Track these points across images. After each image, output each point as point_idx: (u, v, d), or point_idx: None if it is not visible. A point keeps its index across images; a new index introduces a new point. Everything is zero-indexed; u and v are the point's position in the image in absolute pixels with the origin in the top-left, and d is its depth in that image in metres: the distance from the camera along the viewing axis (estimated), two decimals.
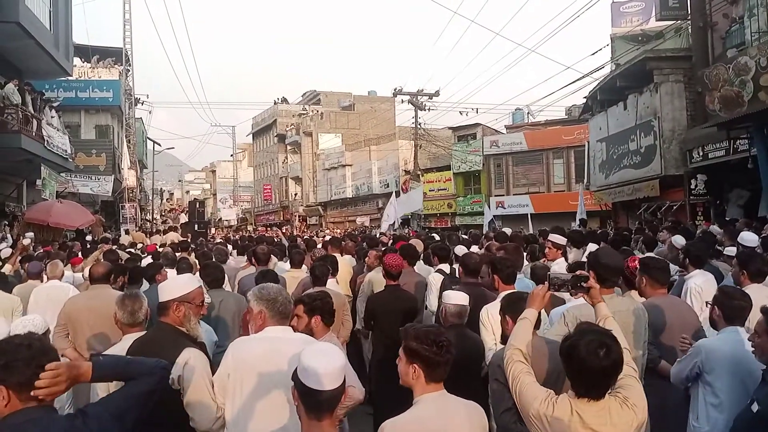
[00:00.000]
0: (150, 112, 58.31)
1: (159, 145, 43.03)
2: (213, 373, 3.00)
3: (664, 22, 19.46)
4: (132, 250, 10.90)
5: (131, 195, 29.69)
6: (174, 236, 17.62)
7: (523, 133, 31.97)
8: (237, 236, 22.46)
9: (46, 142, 16.10)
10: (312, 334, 3.57)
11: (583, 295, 3.10)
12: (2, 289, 6.10)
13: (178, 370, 2.92)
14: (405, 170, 37.83)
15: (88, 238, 16.44)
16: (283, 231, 29.08)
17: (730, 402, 3.33)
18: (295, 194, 54.72)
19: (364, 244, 10.36)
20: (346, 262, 7.99)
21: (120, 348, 3.37)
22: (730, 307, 3.54)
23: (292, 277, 6.71)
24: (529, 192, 30.73)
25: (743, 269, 4.63)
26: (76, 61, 27.14)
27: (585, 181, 23.77)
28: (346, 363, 2.31)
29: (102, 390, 3.12)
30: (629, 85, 18.40)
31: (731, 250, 6.30)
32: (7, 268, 8.15)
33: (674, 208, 16.56)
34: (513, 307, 3.50)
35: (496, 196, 31.79)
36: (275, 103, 59.24)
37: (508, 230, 13.06)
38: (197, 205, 22.09)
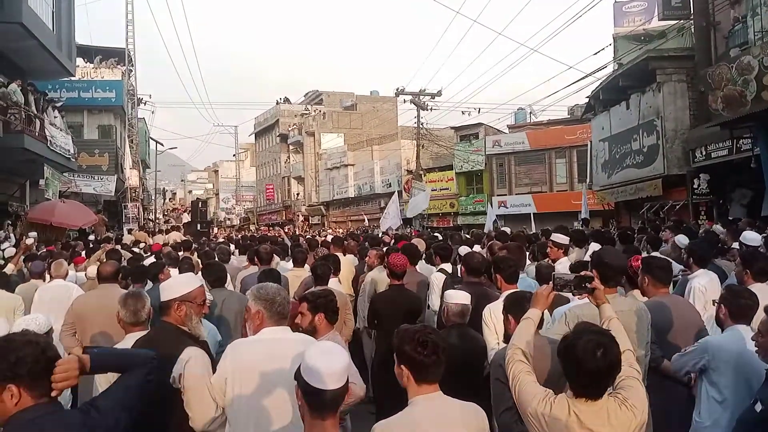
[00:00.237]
0: (153, 112, 58.60)
1: (162, 145, 43.18)
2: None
3: (667, 21, 19.41)
4: (135, 250, 10.91)
5: (134, 195, 29.73)
6: (177, 236, 17.61)
7: (526, 133, 31.93)
8: (239, 236, 22.48)
9: (49, 142, 16.12)
10: (315, 332, 3.57)
11: (587, 296, 3.09)
12: (4, 288, 6.11)
13: (179, 369, 2.92)
14: (407, 170, 37.82)
15: (91, 237, 16.45)
16: (286, 230, 29.10)
17: (734, 400, 3.33)
18: (298, 194, 54.76)
19: (366, 243, 10.36)
20: (348, 262, 8.00)
21: (123, 347, 3.37)
22: (737, 306, 3.54)
23: (295, 276, 6.72)
24: (532, 192, 30.68)
25: (747, 268, 4.62)
26: (79, 61, 27.17)
27: (587, 180, 23.75)
28: (350, 362, 2.31)
29: (103, 383, 3.14)
30: (632, 84, 18.37)
31: (748, 238, 6.29)
32: (10, 268, 8.17)
33: (677, 207, 16.53)
34: (515, 307, 3.49)
35: (498, 195, 31.75)
36: (277, 103, 59.30)
37: (507, 229, 13.06)
38: (200, 205, 22.15)
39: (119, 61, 31.51)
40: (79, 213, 17.91)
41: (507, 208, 30.29)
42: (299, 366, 2.19)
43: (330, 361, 2.15)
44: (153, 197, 42.26)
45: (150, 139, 40.47)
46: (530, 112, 36.46)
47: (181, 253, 9.29)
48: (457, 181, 34.38)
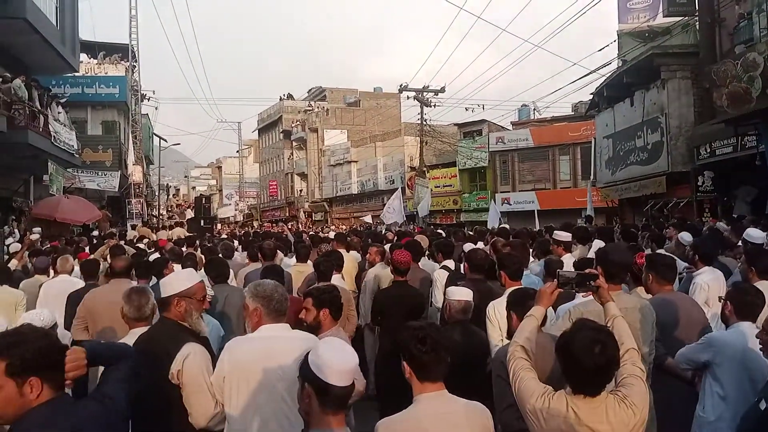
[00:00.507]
0: (156, 108, 58.87)
1: (165, 141, 43.21)
2: None
3: (672, 18, 19.34)
4: (140, 245, 10.93)
5: (138, 191, 29.76)
6: (180, 231, 17.68)
7: (529, 130, 31.87)
8: (242, 232, 22.51)
9: (53, 138, 16.15)
10: (320, 327, 3.57)
11: (592, 294, 3.07)
12: (8, 283, 6.13)
13: (178, 365, 2.93)
14: (410, 167, 37.76)
15: (95, 233, 16.50)
16: (289, 227, 29.13)
17: (738, 396, 3.34)
18: (301, 190, 54.76)
19: (369, 240, 10.37)
20: (351, 258, 8.00)
21: (123, 343, 3.37)
22: (742, 303, 3.54)
23: (298, 271, 6.74)
24: (535, 189, 30.64)
25: (752, 266, 4.60)
26: (83, 57, 27.22)
27: (591, 177, 23.70)
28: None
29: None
30: (636, 81, 18.32)
31: (752, 236, 6.25)
32: (13, 263, 8.19)
33: (681, 204, 16.50)
34: (518, 304, 3.49)
35: (501, 192, 31.71)
36: (281, 99, 59.24)
37: (506, 226, 13.05)
38: (203, 201, 22.21)
39: (123, 57, 31.53)
40: (83, 209, 17.97)
41: (510, 205, 30.26)
42: (306, 363, 2.19)
43: (344, 359, 2.17)
44: (157, 193, 42.28)
45: (153, 135, 40.49)
46: (534, 109, 36.44)
47: (184, 249, 9.31)
48: (461, 178, 34.34)
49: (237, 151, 66.53)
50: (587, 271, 3.18)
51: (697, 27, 17.33)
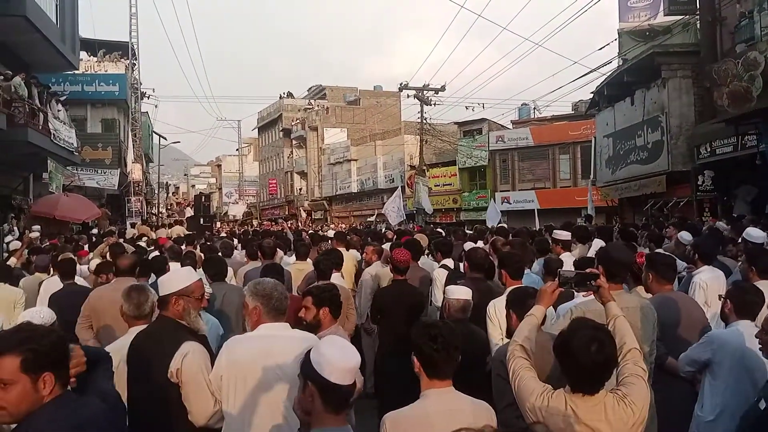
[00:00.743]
0: (156, 106, 58.79)
1: (165, 139, 43.17)
2: None
3: (672, 16, 19.32)
4: (141, 243, 10.92)
5: (137, 189, 29.74)
6: (180, 230, 17.66)
7: (529, 129, 31.86)
8: (241, 231, 22.51)
9: (52, 136, 16.14)
10: (320, 326, 3.56)
11: (593, 293, 3.07)
12: (8, 281, 6.11)
13: (177, 364, 2.92)
14: (410, 165, 37.73)
15: (94, 231, 16.49)
16: (289, 225, 29.12)
17: (736, 395, 3.34)
18: (301, 189, 54.75)
19: (369, 239, 10.35)
20: (351, 257, 7.99)
21: (126, 341, 3.36)
22: (742, 302, 3.56)
23: (298, 269, 6.73)
24: (535, 188, 30.63)
25: (752, 265, 4.59)
26: (83, 54, 27.18)
27: (591, 176, 23.69)
28: None
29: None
30: (636, 80, 18.31)
31: (752, 235, 6.23)
32: (12, 261, 8.17)
33: (681, 204, 16.50)
34: (518, 303, 3.49)
35: (501, 191, 31.70)
36: (281, 98, 59.19)
37: (504, 225, 13.05)
38: (203, 199, 22.19)
39: (123, 55, 31.50)
40: (83, 207, 17.97)
41: (510, 204, 30.25)
42: (308, 361, 2.19)
43: (347, 357, 2.19)
44: (156, 191, 42.28)
45: (153, 133, 40.46)
46: (534, 108, 36.39)
47: (184, 247, 9.30)
48: (460, 177, 34.33)
49: (237, 150, 66.48)
50: (588, 270, 3.17)
51: (698, 26, 17.31)
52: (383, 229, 16.72)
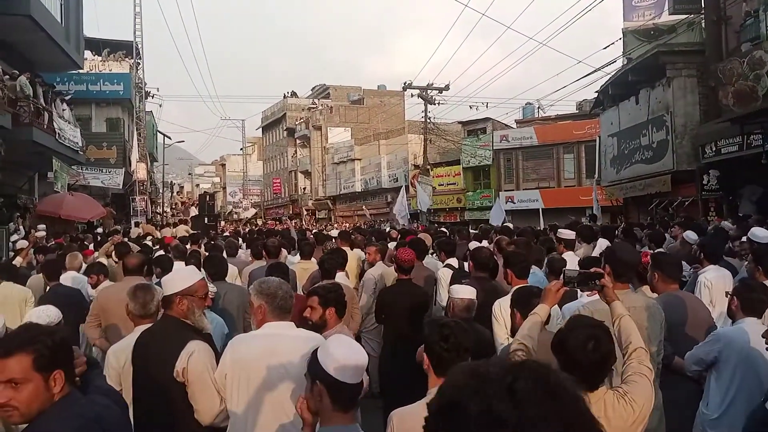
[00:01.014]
0: (160, 106, 58.46)
1: (169, 138, 43.22)
2: None
3: (677, 15, 19.24)
4: (146, 242, 10.95)
5: (142, 188, 29.81)
6: (184, 229, 17.70)
7: (534, 128, 31.79)
8: (246, 230, 22.54)
9: (57, 135, 16.19)
10: (325, 326, 3.57)
11: (597, 293, 3.06)
12: (15, 281, 6.14)
13: (183, 363, 2.93)
14: (414, 165, 37.72)
15: (99, 230, 16.54)
16: (294, 224, 29.14)
17: (743, 393, 3.34)
18: (304, 188, 54.79)
19: (373, 238, 10.35)
20: (355, 256, 7.99)
21: (132, 340, 3.37)
22: (749, 299, 3.55)
23: (302, 269, 6.74)
24: (539, 187, 30.57)
25: (759, 265, 4.57)
26: (87, 54, 27.25)
27: (596, 176, 23.63)
28: None
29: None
30: (641, 79, 18.25)
31: (758, 235, 6.20)
32: (18, 261, 8.20)
33: (686, 203, 16.44)
34: (522, 302, 3.49)
35: (505, 190, 31.65)
36: (285, 97, 59.22)
37: (509, 225, 13.03)
38: (207, 199, 22.19)
39: (127, 54, 31.56)
40: (88, 206, 18.04)
41: (514, 203, 30.19)
42: (316, 361, 2.19)
43: (355, 356, 2.21)
44: (161, 190, 42.36)
45: (158, 133, 40.54)
46: (538, 107, 36.28)
47: (188, 246, 9.31)
48: (465, 176, 34.29)
49: (241, 149, 66.52)
50: (593, 270, 3.17)
51: (703, 25, 17.24)
52: (387, 228, 16.72)
